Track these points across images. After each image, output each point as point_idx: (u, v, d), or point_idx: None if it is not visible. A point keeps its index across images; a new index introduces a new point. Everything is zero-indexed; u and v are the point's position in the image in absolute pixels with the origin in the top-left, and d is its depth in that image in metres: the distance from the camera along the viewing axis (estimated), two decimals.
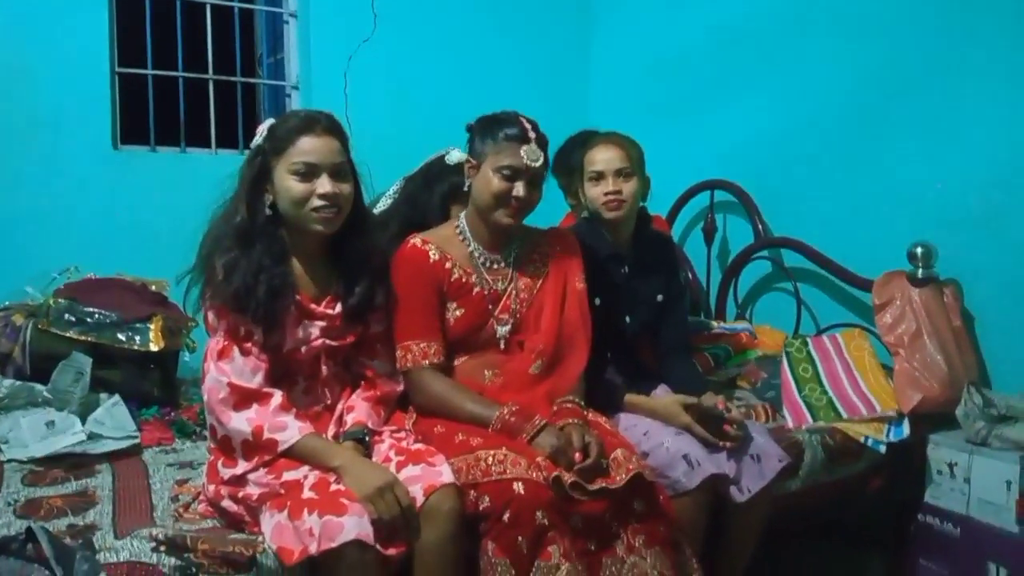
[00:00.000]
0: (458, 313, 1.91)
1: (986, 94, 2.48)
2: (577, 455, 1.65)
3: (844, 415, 2.36)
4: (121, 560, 1.44)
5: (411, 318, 1.85)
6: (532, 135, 1.85)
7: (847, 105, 2.89)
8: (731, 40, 3.31)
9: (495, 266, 1.95)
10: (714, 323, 2.99)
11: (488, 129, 1.88)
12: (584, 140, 2.48)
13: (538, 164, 1.84)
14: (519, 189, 1.82)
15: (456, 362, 1.93)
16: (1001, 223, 2.44)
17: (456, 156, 2.13)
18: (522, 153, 1.82)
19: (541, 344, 1.91)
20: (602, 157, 2.13)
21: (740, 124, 3.28)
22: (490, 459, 1.63)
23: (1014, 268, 2.41)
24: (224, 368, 1.62)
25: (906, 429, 2.31)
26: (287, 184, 1.65)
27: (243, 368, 1.62)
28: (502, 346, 1.93)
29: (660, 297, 2.25)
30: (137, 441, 2.12)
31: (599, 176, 2.13)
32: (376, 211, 2.30)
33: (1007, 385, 2.40)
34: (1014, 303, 2.42)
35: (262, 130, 1.71)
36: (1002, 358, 2.48)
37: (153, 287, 2.64)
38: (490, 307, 1.92)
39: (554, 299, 1.95)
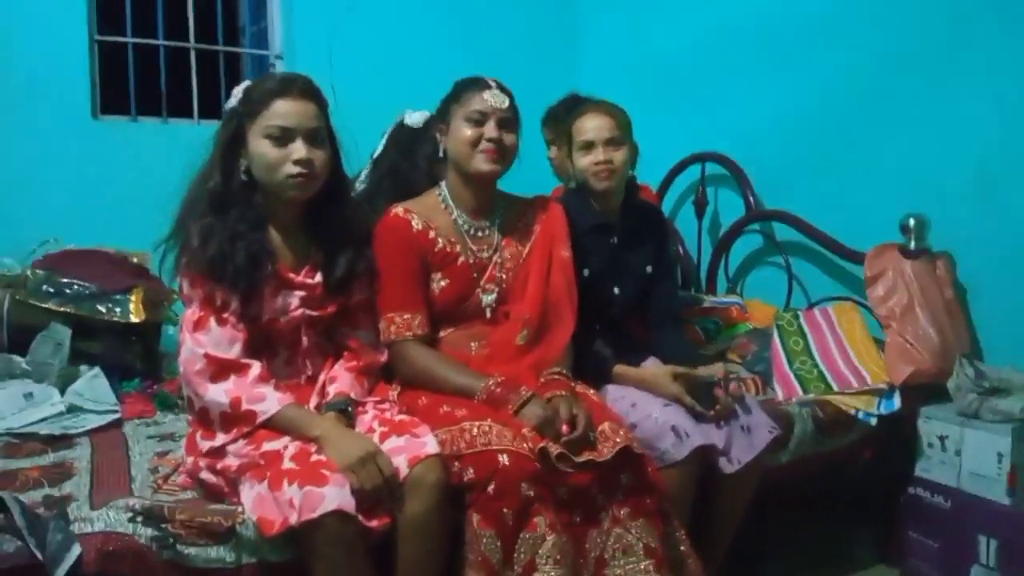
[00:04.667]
0: (443, 283, 1.88)
1: (978, 67, 2.44)
2: (564, 427, 1.63)
3: (835, 388, 2.34)
4: (96, 530, 1.42)
5: (394, 289, 1.82)
6: (492, 83, 1.87)
7: (840, 78, 2.85)
8: (726, 14, 3.26)
9: (480, 234, 1.92)
10: (705, 297, 2.97)
11: (452, 93, 1.91)
12: (577, 103, 2.44)
13: (504, 106, 1.85)
14: (490, 130, 1.83)
15: (441, 333, 1.91)
16: (993, 195, 2.41)
17: (417, 116, 2.16)
18: (486, 97, 1.84)
19: (527, 313, 1.89)
20: (591, 126, 2.10)
21: (732, 96, 3.24)
22: (475, 430, 1.62)
23: (1006, 240, 2.39)
24: (200, 339, 1.58)
25: (897, 402, 2.29)
26: (261, 148, 1.61)
27: (220, 338, 1.58)
28: (488, 315, 1.91)
29: (649, 268, 2.22)
30: (118, 415, 2.08)
31: (589, 145, 2.09)
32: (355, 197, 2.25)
33: (999, 357, 2.39)
34: (1006, 275, 2.40)
35: (237, 92, 1.67)
36: (994, 330, 2.46)
37: (135, 259, 2.60)
38: (475, 276, 1.90)
39: (539, 267, 1.92)
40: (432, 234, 1.87)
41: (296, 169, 1.61)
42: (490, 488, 1.54)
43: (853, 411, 2.27)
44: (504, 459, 1.55)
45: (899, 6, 2.65)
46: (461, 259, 1.89)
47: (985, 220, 2.44)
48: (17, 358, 2.19)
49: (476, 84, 1.87)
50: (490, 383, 1.74)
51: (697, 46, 3.39)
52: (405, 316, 1.82)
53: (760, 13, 3.11)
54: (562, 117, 2.51)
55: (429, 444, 1.54)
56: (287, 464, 1.47)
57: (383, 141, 2.29)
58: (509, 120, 1.86)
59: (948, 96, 2.52)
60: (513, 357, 1.88)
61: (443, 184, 1.96)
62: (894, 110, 2.68)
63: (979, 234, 2.45)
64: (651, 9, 3.59)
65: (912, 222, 2.44)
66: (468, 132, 1.83)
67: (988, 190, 2.42)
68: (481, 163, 1.84)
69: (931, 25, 2.56)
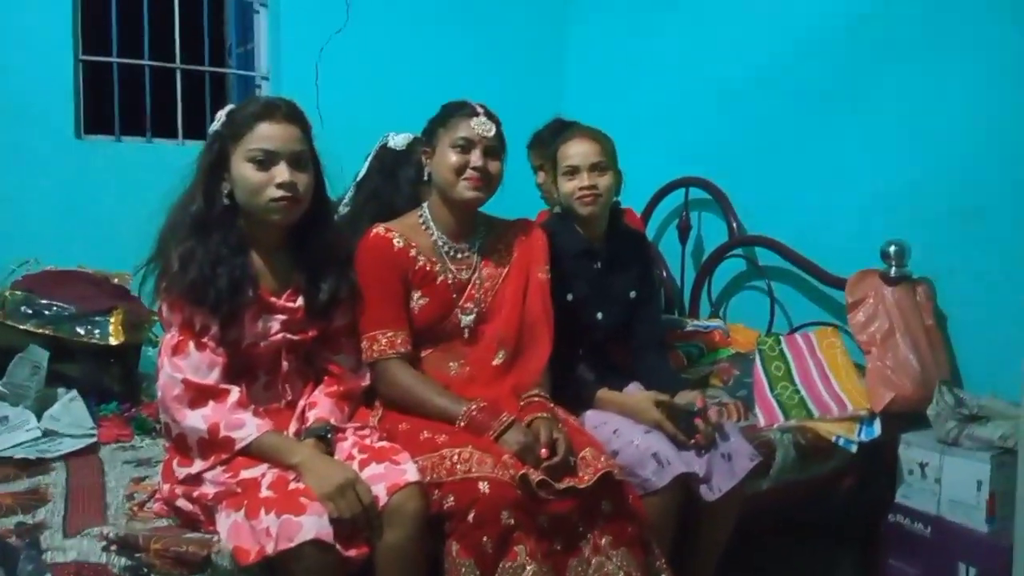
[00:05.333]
0: (422, 302, 1.88)
1: (959, 94, 2.47)
2: (544, 451, 1.63)
3: (816, 414, 2.34)
4: (69, 560, 1.40)
5: (377, 307, 1.82)
6: (480, 110, 1.88)
7: (820, 104, 2.88)
8: (710, 39, 3.29)
9: (459, 255, 1.93)
10: (688, 321, 2.98)
11: (439, 117, 1.92)
12: (562, 128, 2.46)
13: (491, 134, 1.86)
14: (476, 158, 1.83)
15: (422, 354, 1.90)
16: (974, 222, 2.44)
17: (400, 139, 2.17)
18: (472, 124, 1.84)
19: (502, 332, 1.89)
20: (576, 151, 2.11)
21: (714, 122, 3.27)
22: (455, 457, 1.61)
23: (986, 268, 2.41)
24: (179, 364, 1.56)
25: (877, 428, 2.30)
26: (244, 172, 1.60)
27: (199, 364, 1.57)
28: (467, 336, 1.91)
29: (633, 293, 2.22)
30: (94, 440, 2.05)
31: (574, 170, 2.10)
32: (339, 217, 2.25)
33: (979, 385, 2.40)
34: (986, 303, 2.42)
35: (221, 116, 1.67)
36: (974, 358, 2.48)
37: (115, 280, 2.58)
38: (455, 296, 1.90)
39: (516, 288, 1.93)
40: (413, 252, 1.88)
41: (279, 193, 1.61)
42: (470, 516, 1.52)
43: (834, 438, 2.28)
44: (484, 487, 1.54)
45: (878, 30, 2.69)
46: (440, 278, 1.89)
47: (965, 247, 2.46)
48: None
49: (463, 110, 1.87)
50: (471, 408, 1.73)
51: (682, 71, 3.42)
52: (388, 334, 1.81)
53: (742, 38, 3.15)
54: (548, 142, 2.53)
55: (409, 472, 1.53)
56: (264, 492, 1.46)
57: (366, 163, 2.29)
58: (495, 148, 1.87)
59: (928, 124, 2.55)
60: (491, 378, 1.88)
61: (425, 205, 1.97)
62: (876, 137, 2.71)
63: (959, 261, 2.47)
64: (636, 35, 3.63)
65: (892, 249, 2.46)
66: (454, 158, 1.83)
67: (968, 217, 2.45)
68: (465, 191, 1.84)
69: (911, 51, 2.59)
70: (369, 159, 2.28)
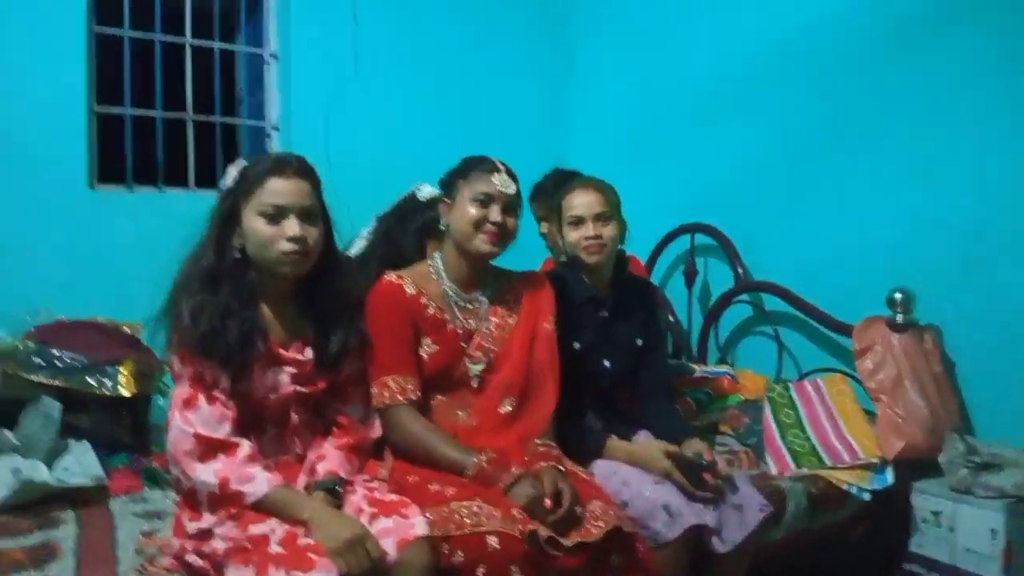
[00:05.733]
0: (432, 349, 1.89)
1: (966, 141, 2.50)
2: (547, 501, 1.63)
3: (827, 462, 2.33)
4: None
5: (388, 353, 1.83)
6: (502, 167, 1.91)
7: (827, 151, 2.91)
8: (709, 85, 3.34)
9: (469, 306, 1.95)
10: (695, 367, 2.97)
11: (460, 170, 1.94)
12: (565, 179, 2.49)
13: (511, 191, 1.89)
14: (494, 214, 1.86)
15: (432, 402, 1.91)
16: (979, 268, 2.45)
17: (427, 191, 2.18)
18: (494, 180, 1.87)
19: (508, 379, 1.90)
20: (581, 201, 2.13)
21: (719, 168, 3.30)
22: (464, 511, 1.60)
23: (993, 313, 2.42)
24: (189, 418, 1.57)
25: (890, 476, 2.29)
26: (255, 226, 1.63)
27: (209, 417, 1.58)
28: (475, 385, 1.92)
29: (639, 341, 2.23)
30: (104, 483, 2.06)
31: (579, 220, 2.12)
32: (352, 252, 2.29)
33: (989, 431, 2.40)
34: (994, 348, 2.42)
35: (233, 172, 1.69)
36: (984, 404, 2.48)
37: (126, 329, 2.59)
38: (463, 345, 1.91)
39: (523, 339, 1.95)
40: (424, 299, 1.90)
41: (289, 246, 1.63)
42: (479, 571, 1.52)
43: (846, 486, 2.26)
44: (494, 542, 1.53)
45: (885, 76, 2.72)
46: (450, 326, 1.91)
47: (971, 294, 2.47)
48: (6, 432, 2.15)
49: (485, 165, 1.90)
50: (481, 459, 1.73)
51: (684, 120, 3.46)
52: (398, 380, 1.82)
53: (748, 89, 3.19)
54: (550, 192, 2.56)
55: (418, 526, 1.53)
56: (274, 548, 1.45)
57: (392, 204, 2.32)
58: (513, 204, 1.90)
59: (934, 170, 2.58)
60: (497, 426, 1.89)
61: (437, 256, 1.98)
62: (880, 184, 2.73)
63: (965, 307, 2.48)
64: (642, 87, 3.68)
65: (899, 296, 2.47)
66: (473, 212, 1.86)
67: (973, 264, 2.47)
68: (482, 244, 1.87)
69: (918, 98, 2.63)
70: (397, 200, 2.31)
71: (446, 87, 3.73)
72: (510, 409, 1.90)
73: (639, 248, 3.03)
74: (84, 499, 2.01)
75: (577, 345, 2.11)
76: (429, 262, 1.98)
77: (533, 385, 1.93)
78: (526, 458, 1.80)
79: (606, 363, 2.18)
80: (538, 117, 4.00)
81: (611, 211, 2.14)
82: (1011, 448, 2.21)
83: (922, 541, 2.25)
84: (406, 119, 3.61)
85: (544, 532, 1.57)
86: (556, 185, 2.57)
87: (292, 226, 1.63)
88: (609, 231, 2.12)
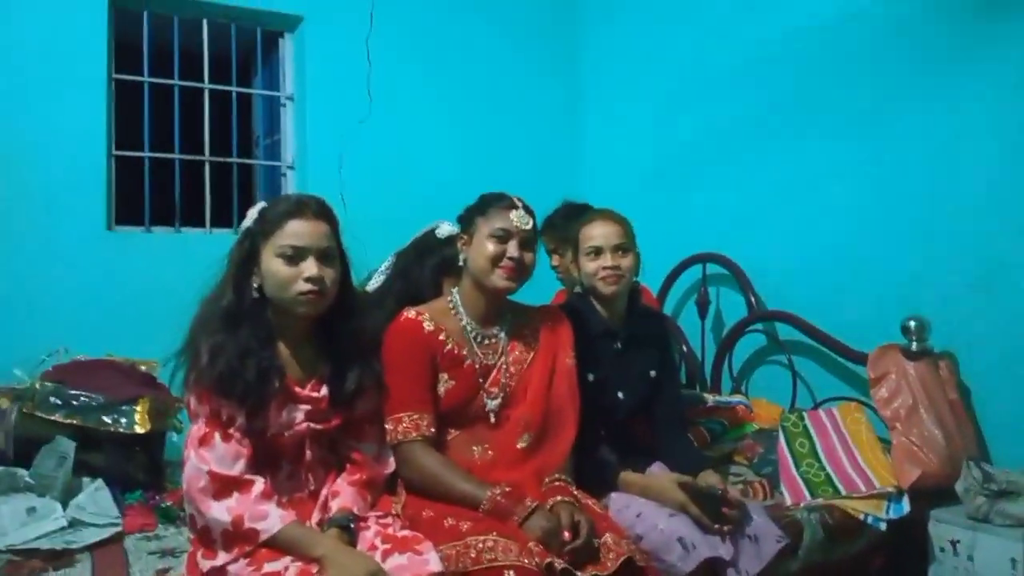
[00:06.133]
0: (449, 385, 1.90)
1: (975, 167, 2.50)
2: (566, 534, 1.63)
3: (843, 491, 2.31)
4: None
5: (404, 390, 1.85)
6: (519, 203, 1.93)
7: (839, 180, 2.92)
8: (723, 117, 3.37)
9: (487, 341, 1.97)
10: (709, 396, 2.97)
11: (478, 206, 1.96)
12: (576, 212, 2.52)
13: (528, 227, 1.91)
14: (512, 250, 1.88)
15: (447, 437, 1.92)
16: (994, 295, 2.44)
17: (446, 229, 2.19)
18: (512, 216, 1.89)
19: (527, 415, 1.91)
20: (600, 232, 2.16)
21: (732, 199, 3.32)
22: (480, 545, 1.59)
23: (1008, 340, 2.40)
24: (205, 456, 1.58)
25: (906, 505, 2.26)
26: (274, 267, 1.65)
27: (224, 455, 1.59)
28: (492, 420, 1.93)
29: (653, 373, 2.23)
30: (119, 528, 2.07)
31: (597, 251, 2.14)
32: (370, 287, 2.31)
33: (1007, 459, 2.37)
34: (1010, 375, 2.40)
35: (252, 213, 1.72)
36: (1000, 431, 2.45)
37: (143, 367, 2.62)
38: (480, 380, 1.92)
39: (542, 374, 1.96)
40: (442, 336, 1.91)
41: (307, 287, 1.65)
42: None
43: (862, 516, 2.24)
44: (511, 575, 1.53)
45: (894, 101, 2.73)
46: (468, 362, 1.92)
47: (986, 320, 2.46)
48: (21, 471, 2.18)
49: (503, 201, 1.93)
50: (496, 493, 1.73)
51: (696, 149, 3.50)
52: (414, 416, 1.83)
53: (762, 120, 3.21)
54: (560, 225, 2.60)
55: (432, 562, 1.53)
56: None
57: (410, 240, 2.35)
58: (531, 240, 1.93)
59: (946, 198, 2.57)
60: (515, 461, 1.89)
61: (455, 291, 2.01)
62: (894, 214, 2.73)
63: (980, 335, 2.47)
64: (654, 119, 3.72)
65: (913, 324, 2.47)
66: (491, 248, 1.88)
67: (988, 291, 2.46)
68: (499, 280, 1.89)
69: (926, 125, 2.63)
70: (415, 237, 2.34)
71: (460, 125, 3.78)
72: (527, 444, 1.90)
73: (651, 279, 3.03)
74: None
75: (591, 377, 2.12)
76: (448, 298, 2.00)
77: (552, 421, 1.93)
78: (542, 490, 1.80)
79: (620, 395, 2.19)
80: (552, 152, 4.04)
81: (629, 243, 2.16)
82: None
83: (940, 571, 2.22)
84: (420, 158, 3.66)
85: (559, 564, 1.57)
86: (566, 218, 2.60)
87: (310, 267, 1.65)
88: (627, 262, 2.14)
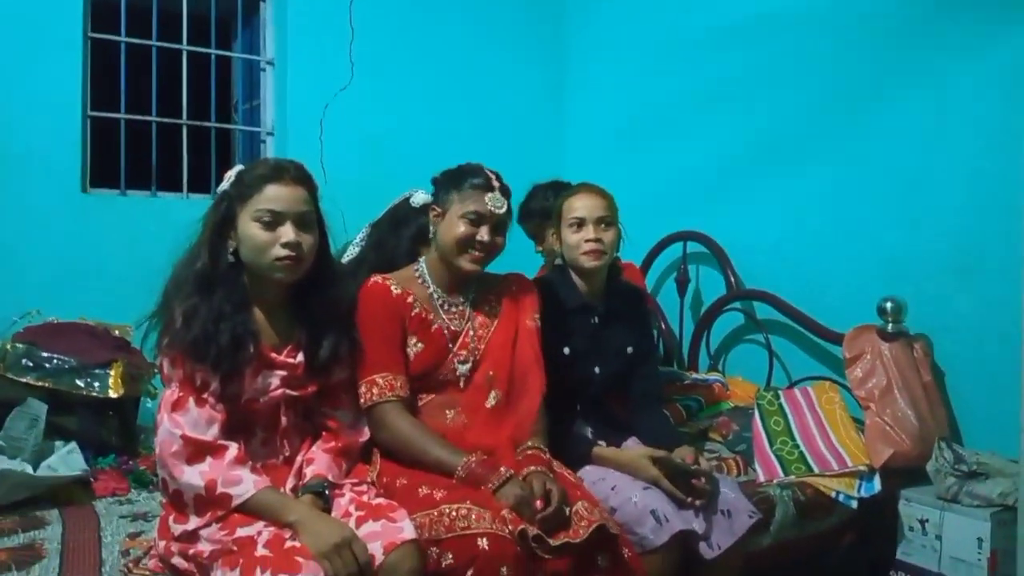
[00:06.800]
0: (418, 348, 1.91)
1: (955, 150, 2.52)
2: (538, 502, 1.64)
3: (815, 469, 2.34)
4: None
5: (376, 352, 1.84)
6: (496, 184, 1.91)
7: (819, 159, 2.93)
8: (703, 94, 3.36)
9: (453, 308, 1.97)
10: (687, 373, 2.98)
11: (454, 179, 1.93)
12: (555, 188, 2.50)
13: (502, 211, 1.89)
14: (483, 234, 1.87)
15: (420, 402, 1.92)
16: (970, 278, 2.46)
17: (421, 198, 2.17)
18: (487, 200, 1.87)
19: (493, 372, 1.92)
20: (583, 204, 2.14)
21: (712, 177, 3.32)
22: (454, 513, 1.60)
23: (983, 324, 2.43)
24: (178, 420, 1.57)
25: (877, 484, 2.29)
26: (251, 231, 1.63)
27: (198, 419, 1.58)
28: (462, 385, 1.94)
29: (630, 348, 2.23)
30: (88, 477, 2.08)
31: (580, 223, 2.13)
32: (345, 259, 2.29)
33: (977, 441, 2.40)
34: (983, 359, 2.43)
35: (230, 176, 1.70)
36: (972, 414, 2.49)
37: (116, 332, 2.59)
38: (450, 345, 1.93)
39: (506, 335, 1.97)
40: (410, 299, 1.91)
41: (284, 252, 1.63)
42: (469, 573, 1.52)
43: (834, 493, 2.27)
44: (484, 543, 1.54)
45: (873, 86, 2.74)
46: (435, 326, 1.93)
47: (962, 303, 2.48)
48: None
49: (479, 179, 1.90)
50: (471, 460, 1.74)
51: (675, 122, 3.48)
52: (387, 377, 1.83)
53: (741, 96, 3.21)
54: (538, 209, 2.58)
55: (406, 529, 1.53)
56: (260, 551, 1.45)
57: (385, 210, 2.32)
58: (504, 222, 1.92)
59: (926, 183, 2.59)
60: (486, 422, 1.90)
61: (422, 261, 2.01)
62: (872, 194, 2.75)
63: (956, 317, 2.49)
64: (637, 94, 3.70)
65: (889, 305, 2.49)
66: (462, 229, 1.87)
67: (964, 273, 2.48)
68: (466, 263, 1.89)
69: (907, 108, 2.64)
70: (390, 206, 2.32)
71: (441, 95, 3.74)
72: (496, 403, 1.91)
73: (631, 256, 3.03)
74: (69, 499, 2.01)
75: (567, 351, 2.12)
76: (415, 267, 2.00)
77: (518, 379, 1.94)
78: (517, 459, 1.81)
79: (596, 370, 2.19)
80: (533, 124, 4.01)
81: (612, 216, 2.15)
82: (998, 457, 2.21)
83: (909, 549, 2.26)
84: (401, 127, 3.61)
85: (532, 530, 1.58)
86: (542, 204, 2.58)
87: (287, 232, 1.63)
88: (609, 236, 2.13)
